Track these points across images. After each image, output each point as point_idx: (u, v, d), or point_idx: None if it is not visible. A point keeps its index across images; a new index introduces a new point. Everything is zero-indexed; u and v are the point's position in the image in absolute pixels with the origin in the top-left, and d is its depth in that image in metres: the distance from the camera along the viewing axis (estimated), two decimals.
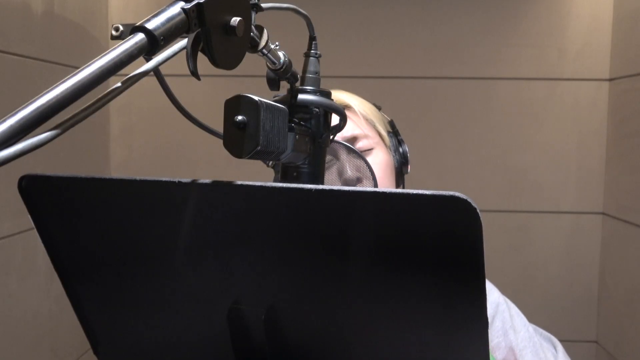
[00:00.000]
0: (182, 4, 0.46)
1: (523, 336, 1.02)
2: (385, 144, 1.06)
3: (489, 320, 1.04)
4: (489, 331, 1.02)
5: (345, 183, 0.96)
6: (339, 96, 1.06)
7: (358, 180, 0.97)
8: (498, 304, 1.05)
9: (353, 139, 1.01)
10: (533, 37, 1.94)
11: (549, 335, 1.08)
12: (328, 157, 0.96)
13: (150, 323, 0.59)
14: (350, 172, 0.96)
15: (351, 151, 0.97)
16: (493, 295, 1.07)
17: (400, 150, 1.07)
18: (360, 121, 1.04)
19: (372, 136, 1.03)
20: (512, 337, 1.01)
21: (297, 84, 0.66)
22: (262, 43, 0.57)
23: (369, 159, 1.00)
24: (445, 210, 0.43)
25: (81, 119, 0.42)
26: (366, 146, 1.01)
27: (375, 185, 0.97)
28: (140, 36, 0.43)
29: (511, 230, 2.00)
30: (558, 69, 1.95)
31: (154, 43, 0.44)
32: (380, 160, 1.02)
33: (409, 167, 1.08)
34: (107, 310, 0.59)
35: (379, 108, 1.11)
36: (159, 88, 0.53)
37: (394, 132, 1.10)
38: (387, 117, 1.12)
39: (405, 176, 1.09)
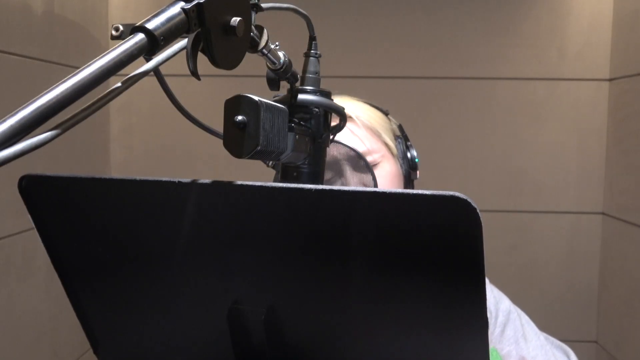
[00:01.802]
0: (182, 4, 0.46)
1: (534, 345, 1.01)
2: (392, 154, 1.01)
3: (501, 328, 1.03)
4: (501, 339, 1.01)
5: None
6: (343, 105, 1.02)
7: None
8: (509, 312, 1.04)
9: (359, 157, 0.96)
10: (533, 37, 1.94)
11: (560, 343, 1.06)
12: (331, 174, 0.93)
13: (150, 323, 0.59)
14: (349, 179, 0.93)
15: (357, 164, 0.94)
16: (504, 303, 1.06)
17: (409, 155, 1.03)
18: (364, 134, 0.99)
19: (377, 149, 0.98)
20: (524, 345, 1.00)
21: (297, 84, 0.66)
22: (262, 43, 0.57)
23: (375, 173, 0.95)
24: (445, 210, 0.43)
25: (81, 119, 0.42)
26: (370, 162, 0.96)
27: None
28: (140, 36, 0.43)
29: (511, 230, 2.00)
30: (558, 69, 1.95)
31: (154, 43, 0.44)
32: (385, 173, 0.97)
33: (417, 172, 1.03)
34: (107, 310, 0.59)
35: (386, 113, 1.06)
36: (159, 88, 0.53)
37: (402, 136, 1.05)
38: (396, 121, 1.07)
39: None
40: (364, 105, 1.04)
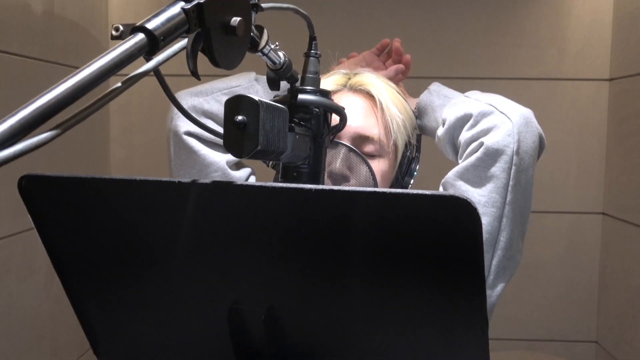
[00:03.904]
0: (182, 4, 0.46)
1: None
2: (395, 157, 1.00)
3: None
4: None
5: (329, 175, 0.92)
6: (381, 90, 0.98)
7: (343, 178, 0.92)
8: None
9: (363, 138, 0.95)
10: (533, 37, 1.94)
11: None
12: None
13: (150, 323, 0.59)
14: (338, 166, 0.91)
15: (357, 154, 0.93)
16: None
17: (412, 166, 1.01)
18: (381, 124, 0.97)
19: (384, 144, 0.97)
20: None
21: (297, 84, 0.66)
22: (262, 43, 0.57)
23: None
24: (445, 210, 0.43)
25: (81, 119, 0.42)
26: (371, 152, 0.95)
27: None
28: (140, 36, 0.43)
29: None
30: (558, 69, 1.95)
31: (154, 43, 0.44)
32: (377, 171, 0.95)
33: (412, 180, 1.02)
34: (107, 310, 0.59)
35: (416, 116, 1.04)
36: (159, 88, 0.53)
37: (417, 147, 1.03)
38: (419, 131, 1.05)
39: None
40: (402, 104, 1.01)
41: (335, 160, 0.92)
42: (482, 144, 0.89)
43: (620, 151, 1.87)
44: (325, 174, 0.91)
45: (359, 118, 0.96)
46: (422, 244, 0.45)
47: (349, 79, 1.02)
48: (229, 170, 1.00)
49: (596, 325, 1.99)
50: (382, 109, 0.97)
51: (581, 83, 1.95)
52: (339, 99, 0.99)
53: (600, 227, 1.97)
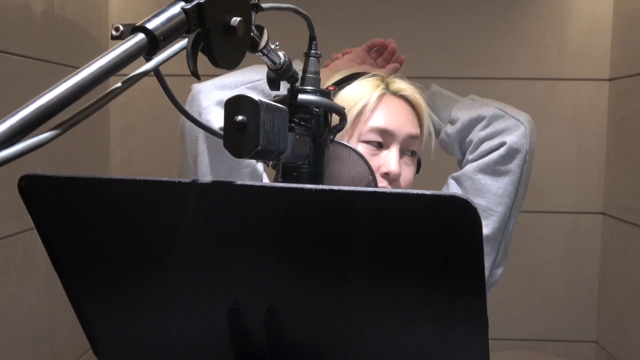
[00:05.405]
0: (182, 4, 0.46)
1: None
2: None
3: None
4: None
5: (383, 176, 0.97)
6: (417, 97, 1.05)
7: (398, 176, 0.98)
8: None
9: (413, 137, 1.02)
10: (533, 37, 1.94)
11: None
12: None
13: (150, 323, 0.59)
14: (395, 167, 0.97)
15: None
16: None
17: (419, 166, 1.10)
18: (424, 125, 1.05)
19: (420, 144, 1.06)
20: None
21: (297, 84, 0.66)
22: (262, 43, 0.57)
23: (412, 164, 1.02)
24: (445, 210, 0.43)
25: (81, 119, 0.42)
26: (416, 149, 1.03)
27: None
28: (140, 36, 0.43)
29: None
30: (558, 69, 1.95)
31: (154, 43, 0.44)
32: (413, 169, 1.04)
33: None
34: (107, 310, 0.59)
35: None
36: (159, 88, 0.53)
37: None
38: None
39: None
40: (429, 111, 1.10)
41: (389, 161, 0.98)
42: (504, 142, 1.02)
43: (620, 151, 1.87)
44: (379, 175, 0.96)
45: (408, 120, 1.02)
46: (422, 243, 0.45)
47: (388, 84, 1.06)
48: (258, 165, 1.04)
49: (596, 325, 1.99)
50: (422, 113, 1.05)
51: (581, 83, 1.95)
52: (387, 103, 1.02)
53: (600, 227, 1.97)
